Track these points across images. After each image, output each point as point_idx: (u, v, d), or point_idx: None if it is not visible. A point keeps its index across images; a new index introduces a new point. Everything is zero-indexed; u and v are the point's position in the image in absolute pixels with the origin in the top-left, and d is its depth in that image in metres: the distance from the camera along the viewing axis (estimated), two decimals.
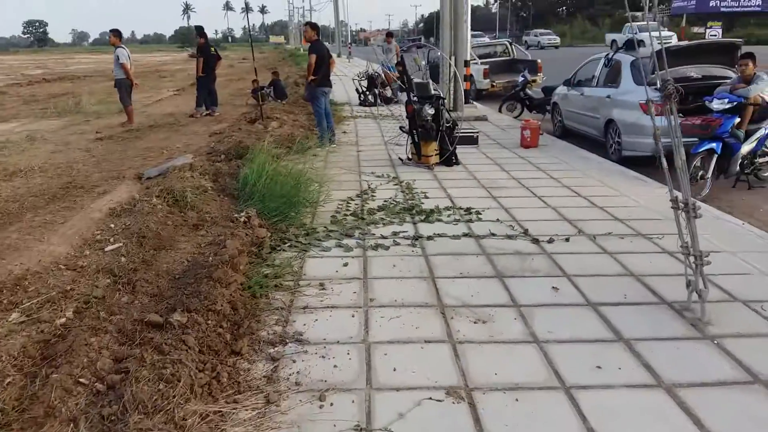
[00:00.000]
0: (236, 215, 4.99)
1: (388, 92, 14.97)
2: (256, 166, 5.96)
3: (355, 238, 4.74)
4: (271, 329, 3.20)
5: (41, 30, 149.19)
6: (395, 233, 4.83)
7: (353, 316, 3.36)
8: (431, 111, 7.23)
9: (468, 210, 5.47)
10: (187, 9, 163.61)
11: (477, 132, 9.10)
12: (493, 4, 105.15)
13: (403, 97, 14.73)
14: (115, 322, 3.07)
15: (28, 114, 13.85)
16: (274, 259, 4.25)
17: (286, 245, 4.53)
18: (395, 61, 15.10)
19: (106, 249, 4.24)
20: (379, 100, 14.64)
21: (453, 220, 5.17)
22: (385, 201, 5.85)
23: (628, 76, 8.15)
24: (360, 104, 14.75)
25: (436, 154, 7.44)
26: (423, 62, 7.69)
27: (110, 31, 10.89)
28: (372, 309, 3.46)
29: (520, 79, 12.97)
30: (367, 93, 14.75)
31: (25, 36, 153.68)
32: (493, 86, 16.02)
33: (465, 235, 4.77)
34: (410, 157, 7.74)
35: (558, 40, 52.89)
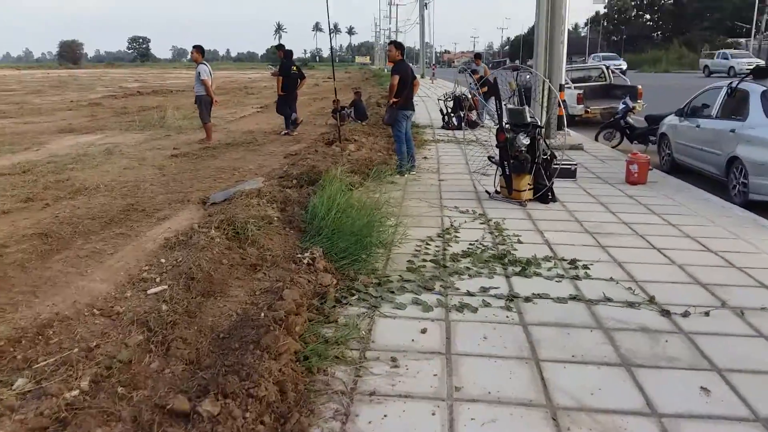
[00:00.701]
0: (299, 255, 4.33)
1: (474, 115, 14.14)
2: (326, 196, 5.32)
3: (436, 292, 3.95)
4: (326, 426, 2.46)
5: (144, 46, 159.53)
6: (484, 289, 4.00)
7: (434, 414, 2.56)
8: (526, 141, 6.36)
9: (573, 263, 4.55)
10: (279, 29, 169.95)
11: (575, 164, 8.11)
12: (583, 28, 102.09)
13: (489, 122, 13.95)
14: (134, 403, 2.43)
15: (114, 126, 14.08)
16: (338, 315, 3.54)
17: (354, 297, 3.81)
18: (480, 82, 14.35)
19: (148, 291, 3.67)
20: (463, 124, 13.85)
21: (555, 276, 4.28)
22: (470, 244, 5.03)
23: (758, 107, 6.95)
24: (443, 127, 14.02)
25: (529, 189, 6.54)
26: (516, 86, 6.83)
27: (193, 47, 10.77)
28: (458, 404, 2.64)
29: (621, 106, 11.82)
30: (452, 115, 13.99)
31: (130, 51, 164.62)
32: (587, 112, 14.85)
33: (572, 298, 3.86)
34: (498, 190, 6.89)
35: (624, 65, 47.22)
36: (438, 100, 15.16)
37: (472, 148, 9.83)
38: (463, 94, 14.28)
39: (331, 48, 9.92)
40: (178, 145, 10.69)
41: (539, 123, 6.53)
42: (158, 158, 9.15)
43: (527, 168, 6.44)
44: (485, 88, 14.20)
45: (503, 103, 6.51)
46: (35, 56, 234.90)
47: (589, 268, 4.44)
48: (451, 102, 14.20)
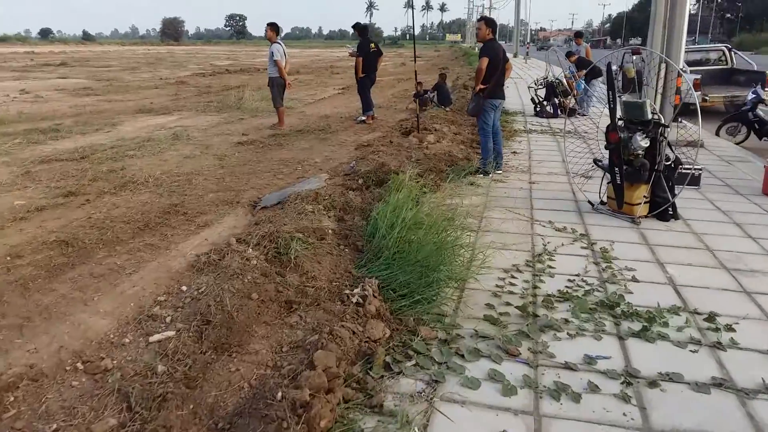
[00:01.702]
0: (348, 292, 3.43)
1: (571, 102, 12.66)
2: (390, 208, 4.38)
3: (522, 360, 2.92)
4: None
5: (240, 23, 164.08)
6: (590, 359, 2.93)
7: None
8: (645, 143, 5.10)
9: (711, 319, 3.37)
10: (370, 6, 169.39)
11: (699, 168, 6.68)
12: (694, 5, 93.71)
13: (589, 109, 12.42)
14: None
15: (192, 107, 13.81)
16: (385, 392, 2.61)
17: (410, 363, 2.86)
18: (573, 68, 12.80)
19: (151, 339, 2.90)
20: (559, 112, 12.43)
21: (688, 341, 3.13)
22: (569, 280, 3.94)
23: None
24: (536, 115, 12.65)
25: (645, 203, 5.29)
26: (634, 74, 5.51)
27: (267, 25, 10.05)
28: None
29: (750, 95, 10.03)
30: (545, 103, 12.59)
31: (227, 29, 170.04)
32: (705, 101, 12.93)
33: (716, 384, 2.72)
34: (605, 201, 5.68)
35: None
36: (528, 88, 13.73)
37: (571, 143, 8.54)
38: (557, 79, 12.80)
39: (413, 24, 8.90)
40: (248, 130, 10.10)
41: (663, 121, 5.22)
42: (223, 146, 8.56)
43: (644, 177, 5.18)
44: (582, 72, 12.69)
45: (618, 94, 5.24)
46: (140, 32, 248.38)
47: (734, 330, 3.25)
48: (543, 90, 12.78)
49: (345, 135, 9.76)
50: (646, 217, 5.31)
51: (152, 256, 4.09)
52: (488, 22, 6.74)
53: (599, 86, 12.41)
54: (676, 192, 5.36)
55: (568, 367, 2.86)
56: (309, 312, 3.27)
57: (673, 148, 5.48)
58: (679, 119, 10.91)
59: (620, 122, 5.34)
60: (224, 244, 4.12)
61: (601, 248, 4.57)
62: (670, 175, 5.32)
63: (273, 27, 10.00)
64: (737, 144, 10.02)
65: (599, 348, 3.05)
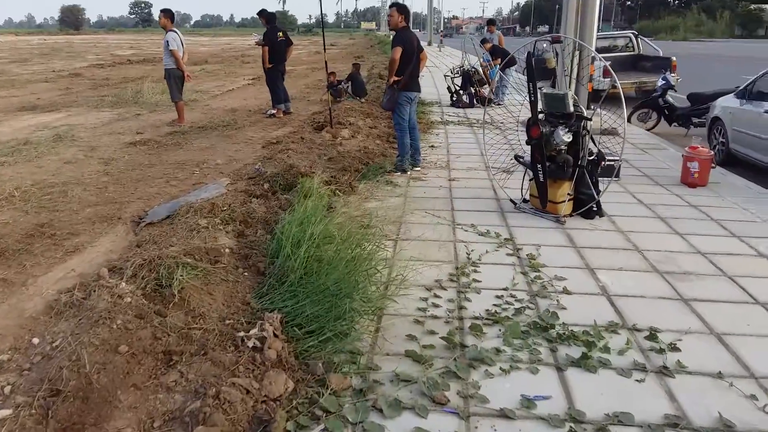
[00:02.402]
0: (244, 334, 2.85)
1: (486, 91, 12.48)
2: (296, 221, 3.83)
3: (450, 410, 2.47)
4: None
5: (146, 11, 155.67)
6: (527, 402, 2.52)
7: None
8: (567, 137, 4.81)
9: (652, 336, 3.06)
10: None
11: (617, 159, 6.52)
12: None
13: (504, 98, 12.27)
14: None
15: (84, 102, 12.52)
16: None
17: (318, 429, 2.33)
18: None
19: None
20: (475, 101, 12.22)
21: (632, 366, 2.79)
22: (497, 296, 3.54)
23: None
24: (452, 105, 12.38)
25: (569, 200, 5.02)
26: (555, 64, 5.21)
27: (161, 11, 9.09)
28: None
29: (660, 81, 10.18)
30: (461, 93, 12.34)
31: (132, 17, 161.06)
32: (614, 88, 13.13)
33: (671, 425, 2.38)
34: (527, 198, 5.37)
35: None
36: (445, 76, 13.44)
37: (489, 135, 8.26)
38: (472, 68, 12.59)
39: (321, 11, 8.27)
40: (143, 128, 9.15)
41: (585, 113, 4.94)
42: (112, 147, 7.62)
43: (568, 173, 4.90)
44: (498, 59, 12.53)
45: (538, 86, 4.91)
46: (37, 21, 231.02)
47: (678, 349, 2.95)
48: (459, 78, 12.53)
49: (252, 131, 9.03)
50: (570, 215, 5.04)
51: (1, 296, 3.32)
52: (400, 8, 6.24)
53: (513, 74, 12.30)
54: (601, 188, 5.12)
55: (504, 414, 2.43)
56: (193, 365, 2.66)
57: (596, 141, 5.23)
58: (592, 107, 10.97)
59: (541, 116, 5.02)
60: (94, 276, 3.41)
61: (528, 254, 4.22)
62: (593, 170, 5.07)
63: (167, 13, 9.05)
64: (648, 130, 10.15)
65: (537, 384, 2.65)
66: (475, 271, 3.93)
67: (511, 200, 5.45)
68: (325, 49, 8.80)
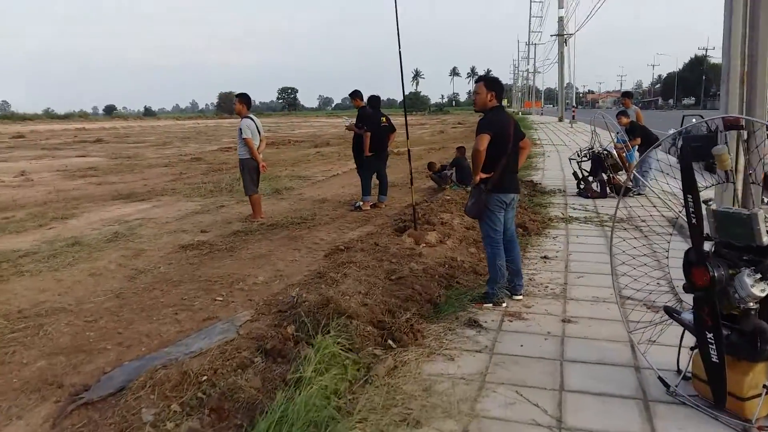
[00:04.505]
0: None
1: (623, 178, 10.25)
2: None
3: None
4: None
5: (292, 96, 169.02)
6: None
7: None
8: (760, 289, 2.74)
9: None
10: (416, 75, 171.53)
11: None
12: None
13: (646, 186, 9.84)
14: None
15: (182, 190, 12.13)
16: None
17: None
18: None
19: None
20: (608, 190, 10.03)
21: None
22: None
23: None
24: (579, 194, 10.28)
25: (766, 394, 2.87)
26: (729, 162, 3.18)
27: (236, 96, 8.26)
28: None
29: None
30: (590, 179, 10.23)
31: (279, 101, 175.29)
32: None
33: None
34: (688, 375, 3.27)
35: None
36: (570, 159, 11.42)
37: (623, 241, 6.13)
38: (605, 150, 10.45)
39: (403, 93, 6.89)
40: (213, 225, 8.17)
41: None
42: (161, 252, 6.59)
43: (764, 351, 2.79)
44: (638, 140, 10.36)
45: (701, 198, 2.94)
46: (200, 107, 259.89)
47: None
48: (588, 161, 10.44)
49: (326, 231, 7.65)
50: (766, 419, 2.87)
51: None
52: (489, 83, 4.58)
53: (657, 155, 9.98)
54: None
55: None
56: None
57: None
58: None
59: (709, 247, 3.01)
60: None
61: None
62: None
63: (242, 99, 8.19)
64: None
65: None
66: None
67: (660, 378, 3.35)
68: (407, 134, 7.37)
